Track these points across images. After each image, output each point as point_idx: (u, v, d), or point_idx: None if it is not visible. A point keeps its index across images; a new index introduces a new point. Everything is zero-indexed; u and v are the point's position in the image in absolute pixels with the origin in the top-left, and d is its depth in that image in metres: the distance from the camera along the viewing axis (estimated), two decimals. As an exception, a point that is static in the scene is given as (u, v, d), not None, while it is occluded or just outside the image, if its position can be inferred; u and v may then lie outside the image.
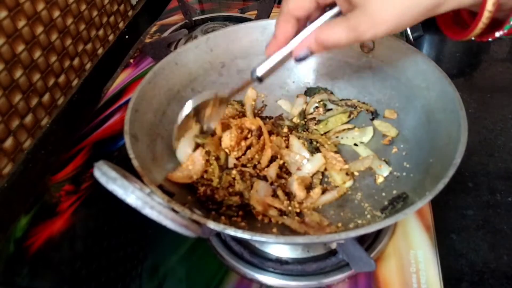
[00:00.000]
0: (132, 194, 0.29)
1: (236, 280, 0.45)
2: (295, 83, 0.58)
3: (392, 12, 0.31)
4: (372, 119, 0.54)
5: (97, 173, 0.29)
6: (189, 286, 0.45)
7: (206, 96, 0.44)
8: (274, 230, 0.41)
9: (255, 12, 0.86)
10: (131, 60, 0.79)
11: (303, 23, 0.39)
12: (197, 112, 0.45)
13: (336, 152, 0.51)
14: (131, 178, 0.32)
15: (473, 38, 0.36)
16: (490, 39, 0.35)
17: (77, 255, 0.48)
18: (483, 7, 0.31)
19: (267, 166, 0.48)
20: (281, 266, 0.44)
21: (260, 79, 0.42)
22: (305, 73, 0.58)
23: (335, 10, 0.37)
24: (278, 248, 0.47)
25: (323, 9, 0.38)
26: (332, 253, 0.45)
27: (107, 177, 0.28)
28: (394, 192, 0.45)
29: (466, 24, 0.37)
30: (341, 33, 0.34)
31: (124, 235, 0.50)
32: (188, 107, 0.43)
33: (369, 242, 0.46)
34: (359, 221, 0.44)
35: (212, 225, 0.33)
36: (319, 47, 0.37)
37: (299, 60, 0.39)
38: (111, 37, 0.85)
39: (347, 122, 0.54)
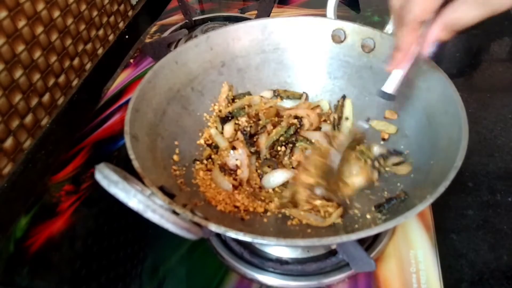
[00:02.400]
0: (134, 198, 0.29)
1: (236, 280, 0.45)
2: (295, 83, 0.58)
3: None
4: (368, 120, 0.54)
5: (98, 176, 0.29)
6: (189, 286, 0.45)
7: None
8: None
9: (255, 12, 0.86)
10: (131, 60, 0.79)
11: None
12: None
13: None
14: (132, 180, 0.32)
15: None
16: None
17: (77, 255, 0.48)
18: None
19: None
20: (281, 266, 0.44)
21: (393, 97, 0.42)
22: (305, 73, 0.58)
23: None
24: (278, 248, 0.47)
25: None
26: (332, 253, 0.45)
27: (109, 180, 0.28)
28: (396, 192, 0.45)
29: None
30: (471, 11, 0.33)
31: (124, 235, 0.50)
32: None
33: (369, 242, 0.46)
34: (360, 220, 0.44)
35: (213, 227, 0.33)
36: (447, 33, 0.35)
37: (430, 55, 0.38)
38: (111, 37, 0.85)
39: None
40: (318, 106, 0.57)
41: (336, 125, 0.55)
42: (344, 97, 0.56)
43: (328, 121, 0.56)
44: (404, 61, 0.40)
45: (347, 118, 0.55)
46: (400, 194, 0.43)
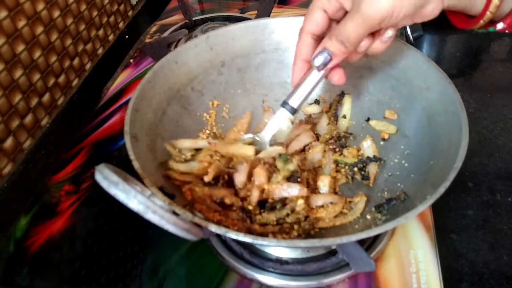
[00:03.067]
0: (134, 199, 0.29)
1: (236, 280, 0.45)
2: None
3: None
4: (368, 120, 0.54)
5: (98, 177, 0.29)
6: (189, 286, 0.45)
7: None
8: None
9: (255, 12, 0.86)
10: (131, 60, 0.79)
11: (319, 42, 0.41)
12: None
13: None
14: (132, 181, 0.32)
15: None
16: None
17: (77, 255, 0.48)
18: (486, 9, 0.33)
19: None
20: (281, 266, 0.44)
21: (296, 111, 0.43)
22: (305, 73, 0.58)
23: None
24: (278, 248, 0.47)
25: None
26: (332, 253, 0.45)
27: (109, 181, 0.28)
28: (396, 192, 0.45)
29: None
30: (352, 25, 0.37)
31: (124, 235, 0.50)
32: None
33: (369, 242, 0.46)
34: (360, 221, 0.44)
35: (213, 228, 0.33)
36: (335, 44, 0.39)
37: (320, 66, 0.40)
38: (111, 37, 0.85)
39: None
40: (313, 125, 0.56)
41: (331, 122, 0.55)
42: (342, 94, 0.56)
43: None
44: (300, 73, 0.43)
45: (344, 117, 0.55)
46: (400, 195, 0.43)
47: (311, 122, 0.56)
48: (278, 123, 0.46)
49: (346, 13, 0.40)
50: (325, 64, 0.40)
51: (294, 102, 0.43)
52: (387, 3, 0.35)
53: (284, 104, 0.44)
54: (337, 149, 0.52)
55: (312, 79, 0.42)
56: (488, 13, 0.35)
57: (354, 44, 0.39)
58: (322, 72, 0.42)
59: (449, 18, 0.42)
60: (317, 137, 0.54)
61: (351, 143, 0.54)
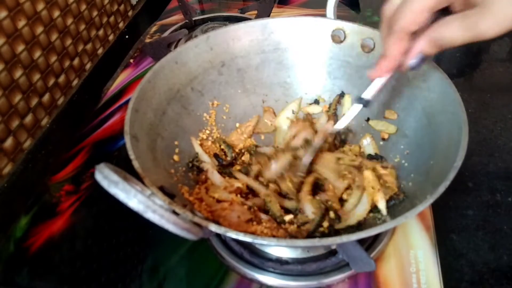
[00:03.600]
0: (134, 198, 0.29)
1: (236, 280, 0.45)
2: (295, 83, 0.58)
3: None
4: (367, 120, 0.54)
5: (98, 176, 0.29)
6: (189, 286, 0.45)
7: None
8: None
9: (255, 12, 0.86)
10: (131, 60, 0.79)
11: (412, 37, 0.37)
12: None
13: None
14: (132, 180, 0.32)
15: None
16: None
17: (77, 255, 0.48)
18: None
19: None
20: (281, 266, 0.44)
21: (368, 103, 0.42)
22: (305, 73, 0.58)
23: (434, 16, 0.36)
24: (278, 248, 0.47)
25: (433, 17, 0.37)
26: (332, 253, 0.45)
27: (109, 180, 0.28)
28: (397, 192, 0.45)
29: None
30: (458, 31, 0.33)
31: (124, 235, 0.50)
32: None
33: (369, 242, 0.46)
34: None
35: (213, 227, 0.33)
36: (432, 47, 0.35)
37: (414, 68, 0.38)
38: (111, 37, 0.85)
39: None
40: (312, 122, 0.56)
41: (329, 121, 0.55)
42: (342, 94, 0.56)
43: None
44: (389, 70, 0.40)
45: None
46: (399, 195, 0.43)
47: (309, 120, 0.56)
48: (352, 115, 0.47)
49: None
50: (418, 66, 0.38)
51: (368, 95, 0.43)
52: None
53: (359, 99, 0.44)
54: (337, 144, 0.52)
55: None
56: None
57: (455, 46, 0.35)
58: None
59: None
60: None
61: (351, 141, 0.54)
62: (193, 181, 0.48)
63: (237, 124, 0.56)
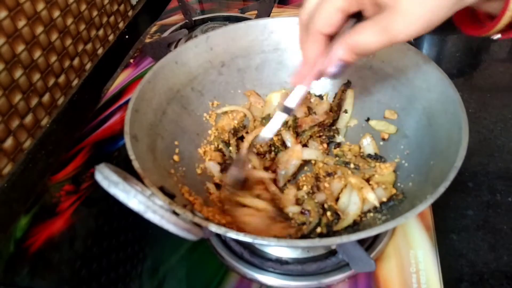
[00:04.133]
0: (134, 199, 0.29)
1: (236, 280, 0.45)
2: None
3: (425, 9, 0.30)
4: (367, 120, 0.54)
5: (98, 177, 0.29)
6: (189, 286, 0.45)
7: None
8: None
9: (255, 12, 0.86)
10: (131, 60, 0.79)
11: (329, 41, 0.36)
12: None
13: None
14: (132, 181, 0.32)
15: (494, 37, 0.34)
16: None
17: (77, 255, 0.48)
18: (505, 8, 0.30)
19: None
20: (281, 266, 0.44)
21: (291, 111, 0.41)
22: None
23: (352, 22, 0.35)
24: (278, 248, 0.47)
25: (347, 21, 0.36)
26: (332, 253, 0.45)
27: (109, 181, 0.28)
28: (397, 192, 0.45)
29: (482, 23, 0.35)
30: (372, 36, 0.32)
31: (124, 235, 0.50)
32: None
33: (369, 242, 0.46)
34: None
35: (213, 228, 0.33)
36: (351, 55, 0.34)
37: (334, 76, 0.36)
38: (111, 37, 0.85)
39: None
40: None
41: (334, 111, 0.55)
42: (348, 84, 0.55)
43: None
44: (309, 76, 0.38)
45: (346, 111, 0.55)
46: (398, 195, 0.44)
47: (307, 102, 0.56)
48: (277, 124, 0.44)
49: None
50: (339, 73, 0.36)
51: (290, 103, 0.41)
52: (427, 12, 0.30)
53: (284, 108, 0.42)
54: (324, 137, 0.53)
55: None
56: (499, 25, 0.31)
57: (373, 53, 0.34)
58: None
59: (456, 23, 0.38)
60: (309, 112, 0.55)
61: (351, 141, 0.54)
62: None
63: (227, 108, 0.56)
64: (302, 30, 0.37)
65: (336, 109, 0.55)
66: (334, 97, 0.56)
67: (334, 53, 0.35)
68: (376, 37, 0.32)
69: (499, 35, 0.33)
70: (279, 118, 0.42)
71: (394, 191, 0.45)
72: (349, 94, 0.55)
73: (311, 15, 0.35)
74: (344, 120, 0.55)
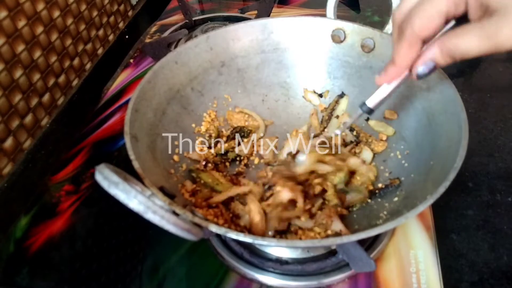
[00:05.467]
0: (134, 199, 0.29)
1: (236, 280, 0.45)
2: (295, 83, 0.58)
3: None
4: (367, 120, 0.54)
5: (98, 177, 0.29)
6: (189, 286, 0.45)
7: None
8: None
9: (255, 12, 0.86)
10: (131, 60, 0.79)
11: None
12: None
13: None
14: (132, 181, 0.32)
15: None
16: None
17: (77, 255, 0.48)
18: None
19: None
20: (281, 266, 0.44)
21: (372, 111, 0.40)
22: (305, 73, 0.58)
23: (452, 23, 0.34)
24: (278, 248, 0.47)
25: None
26: (332, 253, 0.45)
27: (109, 181, 0.28)
28: (398, 192, 0.45)
29: None
30: (474, 41, 0.30)
31: (124, 235, 0.50)
32: None
33: (369, 242, 0.46)
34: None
35: (214, 228, 0.33)
36: (446, 58, 0.33)
37: (421, 77, 0.35)
38: (111, 37, 0.85)
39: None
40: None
41: (325, 120, 0.56)
42: (342, 95, 0.56)
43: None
44: (396, 77, 0.38)
45: (337, 116, 0.55)
46: (394, 181, 0.44)
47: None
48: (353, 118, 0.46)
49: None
50: (426, 75, 0.35)
51: (371, 102, 0.41)
52: None
53: (362, 105, 0.42)
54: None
55: (399, 83, 0.39)
56: None
57: (470, 58, 0.32)
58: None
59: None
60: None
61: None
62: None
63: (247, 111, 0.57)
64: (396, 31, 0.36)
65: (327, 118, 0.56)
66: (327, 107, 0.57)
67: (429, 54, 0.33)
68: (479, 42, 0.30)
69: None
70: (356, 113, 0.43)
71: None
72: (343, 101, 0.56)
73: (408, 15, 0.34)
74: (334, 126, 0.55)
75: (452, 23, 0.34)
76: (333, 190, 0.45)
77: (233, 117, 0.56)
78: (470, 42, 0.30)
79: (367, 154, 0.51)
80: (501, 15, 0.29)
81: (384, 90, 0.39)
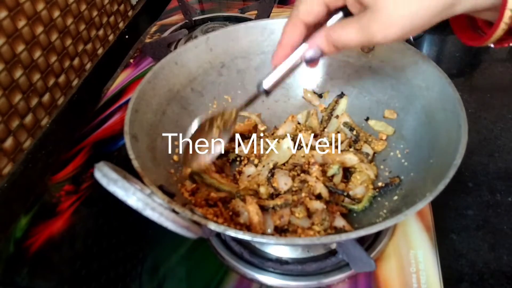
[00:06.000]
0: (133, 196, 0.29)
1: (236, 280, 0.45)
2: (295, 83, 0.58)
3: (404, 13, 0.30)
4: (367, 120, 0.54)
5: (97, 175, 0.29)
6: (189, 286, 0.45)
7: (213, 113, 0.44)
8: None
9: (255, 12, 0.86)
10: (131, 60, 0.79)
11: (311, 31, 0.38)
12: (203, 130, 0.43)
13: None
14: (131, 179, 0.32)
15: (491, 45, 0.34)
16: (511, 44, 0.33)
17: (77, 255, 0.49)
18: (500, 19, 0.30)
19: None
20: (281, 266, 0.44)
21: (268, 92, 0.41)
22: (305, 73, 0.58)
23: (340, 15, 0.36)
24: (278, 248, 0.47)
25: (331, 15, 0.37)
26: (332, 253, 0.45)
27: (108, 178, 0.28)
28: (397, 190, 0.45)
29: (481, 30, 0.36)
30: (352, 33, 0.33)
31: (124, 235, 0.50)
32: (194, 125, 0.42)
33: (369, 242, 0.46)
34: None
35: (213, 226, 0.33)
36: (330, 47, 0.35)
37: (309, 61, 0.37)
38: (111, 37, 0.85)
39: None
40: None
41: (325, 120, 0.56)
42: (342, 95, 0.56)
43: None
44: (282, 58, 0.39)
45: (337, 116, 0.56)
46: (394, 180, 0.44)
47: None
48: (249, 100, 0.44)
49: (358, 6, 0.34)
50: (314, 60, 0.37)
51: (267, 84, 0.41)
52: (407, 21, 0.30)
53: (259, 85, 0.42)
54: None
55: (292, 65, 0.40)
56: (496, 33, 0.31)
57: (351, 49, 0.36)
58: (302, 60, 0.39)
59: (456, 34, 0.38)
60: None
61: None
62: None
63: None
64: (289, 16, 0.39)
65: (327, 118, 0.56)
66: (327, 107, 0.57)
67: (315, 40, 0.36)
68: (355, 35, 0.33)
69: (492, 45, 0.33)
70: (253, 95, 0.43)
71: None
72: (343, 101, 0.56)
73: (296, 1, 0.37)
74: (334, 126, 0.55)
75: (340, 15, 0.36)
76: (319, 173, 0.46)
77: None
78: (349, 34, 0.33)
79: (368, 150, 0.51)
80: (373, 10, 0.31)
81: (278, 71, 0.40)
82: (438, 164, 0.40)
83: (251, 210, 0.43)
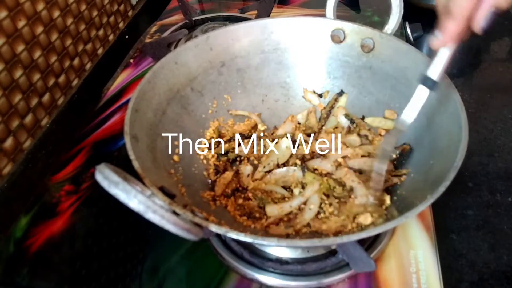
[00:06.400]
0: (134, 199, 0.29)
1: (236, 280, 0.45)
2: (295, 83, 0.58)
3: None
4: (362, 118, 0.54)
5: (99, 177, 0.29)
6: (189, 286, 0.45)
7: None
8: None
9: (255, 12, 0.86)
10: (131, 60, 0.79)
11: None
12: None
13: None
14: (132, 181, 0.32)
15: None
16: None
17: (77, 255, 0.48)
18: None
19: None
20: (281, 266, 0.44)
21: (437, 87, 0.34)
22: (304, 73, 0.58)
23: None
24: (278, 248, 0.47)
25: None
26: (332, 253, 0.45)
27: (109, 181, 0.28)
28: (397, 191, 0.45)
29: None
30: None
31: (124, 235, 0.50)
32: None
33: (369, 242, 0.46)
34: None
35: (214, 228, 0.33)
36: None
37: (485, 28, 0.32)
38: (111, 37, 0.85)
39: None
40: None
41: (323, 118, 0.56)
42: (341, 93, 0.57)
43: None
44: (457, 33, 0.33)
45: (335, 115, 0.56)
46: (405, 147, 0.45)
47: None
48: (420, 102, 0.39)
49: None
50: (488, 26, 0.32)
51: (434, 73, 0.34)
52: None
53: (424, 80, 0.36)
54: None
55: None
56: None
57: None
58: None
59: None
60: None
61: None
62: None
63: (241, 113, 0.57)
64: (443, 16, 0.34)
65: (325, 116, 0.56)
66: (326, 105, 0.57)
67: (487, 3, 0.31)
68: None
69: None
70: (421, 95, 0.36)
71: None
72: (342, 99, 0.56)
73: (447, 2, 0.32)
74: (332, 123, 0.55)
75: None
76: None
77: (232, 128, 0.56)
78: None
79: (367, 133, 0.52)
80: None
81: (443, 55, 0.33)
82: (438, 166, 0.39)
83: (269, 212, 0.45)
